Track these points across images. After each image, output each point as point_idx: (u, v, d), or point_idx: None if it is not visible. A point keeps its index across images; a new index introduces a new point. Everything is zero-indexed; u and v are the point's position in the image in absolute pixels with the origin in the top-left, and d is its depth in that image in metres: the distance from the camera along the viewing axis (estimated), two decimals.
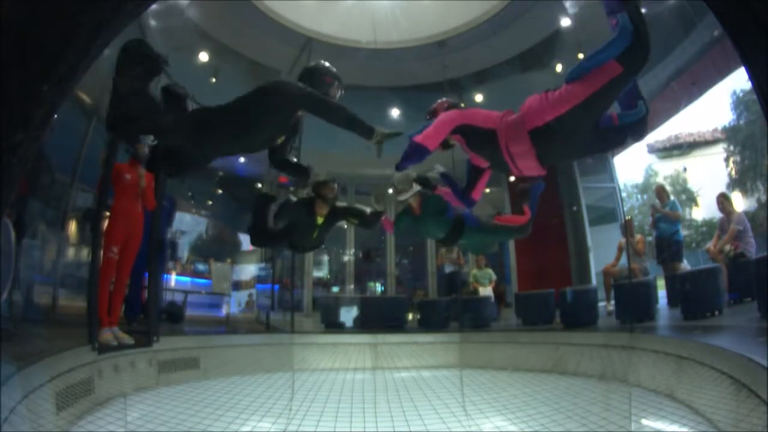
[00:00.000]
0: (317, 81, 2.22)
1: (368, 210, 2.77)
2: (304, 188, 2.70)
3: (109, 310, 3.56)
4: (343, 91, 2.34)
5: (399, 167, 2.15)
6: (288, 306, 7.66)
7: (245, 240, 8.40)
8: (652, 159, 18.31)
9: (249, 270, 8.70)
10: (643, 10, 1.69)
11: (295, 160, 2.58)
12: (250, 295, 8.35)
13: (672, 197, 5.97)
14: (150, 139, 3.80)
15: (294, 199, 2.75)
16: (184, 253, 8.40)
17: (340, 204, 2.78)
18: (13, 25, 1.13)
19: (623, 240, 5.90)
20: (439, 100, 2.39)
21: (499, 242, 2.66)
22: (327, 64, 2.34)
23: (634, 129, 1.87)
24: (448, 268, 7.59)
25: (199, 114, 2.07)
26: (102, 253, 3.53)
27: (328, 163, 2.67)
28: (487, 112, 2.09)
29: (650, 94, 6.63)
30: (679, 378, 3.33)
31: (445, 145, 2.20)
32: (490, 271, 7.34)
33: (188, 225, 8.57)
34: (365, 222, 2.76)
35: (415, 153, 2.04)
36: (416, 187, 2.58)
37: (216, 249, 8.89)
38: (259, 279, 8.48)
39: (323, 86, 2.22)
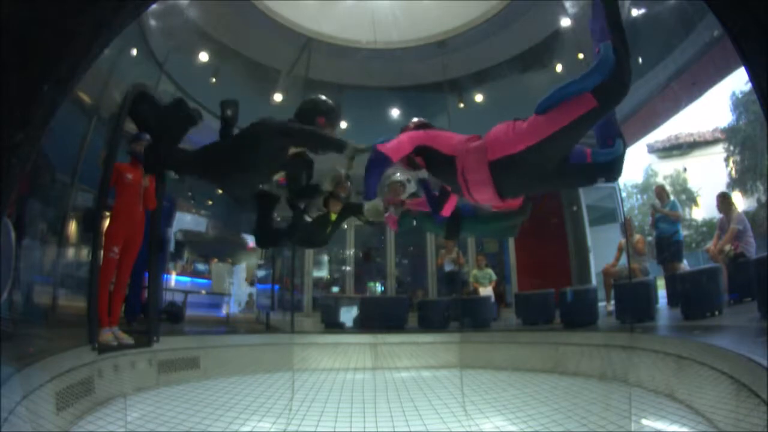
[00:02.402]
0: (310, 123, 2.27)
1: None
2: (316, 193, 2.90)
3: (109, 310, 3.57)
4: (336, 125, 2.40)
5: (367, 194, 2.22)
6: (288, 306, 7.66)
7: (246, 240, 8.41)
8: (652, 159, 18.32)
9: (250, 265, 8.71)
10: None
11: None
12: (250, 295, 8.34)
13: (672, 197, 5.97)
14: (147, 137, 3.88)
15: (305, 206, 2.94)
16: (184, 252, 8.38)
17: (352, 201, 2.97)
18: (13, 25, 1.13)
19: (623, 240, 5.90)
20: (412, 120, 2.44)
21: (507, 227, 2.62)
22: (323, 100, 2.38)
23: (607, 169, 1.72)
24: (448, 268, 7.57)
25: (207, 151, 2.29)
26: (102, 253, 3.54)
27: (329, 163, 2.71)
28: (451, 135, 2.08)
29: (650, 94, 6.64)
30: (679, 378, 3.33)
31: (411, 164, 2.24)
32: (490, 271, 7.34)
33: (188, 225, 8.55)
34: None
35: (378, 160, 2.10)
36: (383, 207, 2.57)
37: (216, 249, 8.87)
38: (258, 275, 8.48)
39: (316, 127, 2.28)
